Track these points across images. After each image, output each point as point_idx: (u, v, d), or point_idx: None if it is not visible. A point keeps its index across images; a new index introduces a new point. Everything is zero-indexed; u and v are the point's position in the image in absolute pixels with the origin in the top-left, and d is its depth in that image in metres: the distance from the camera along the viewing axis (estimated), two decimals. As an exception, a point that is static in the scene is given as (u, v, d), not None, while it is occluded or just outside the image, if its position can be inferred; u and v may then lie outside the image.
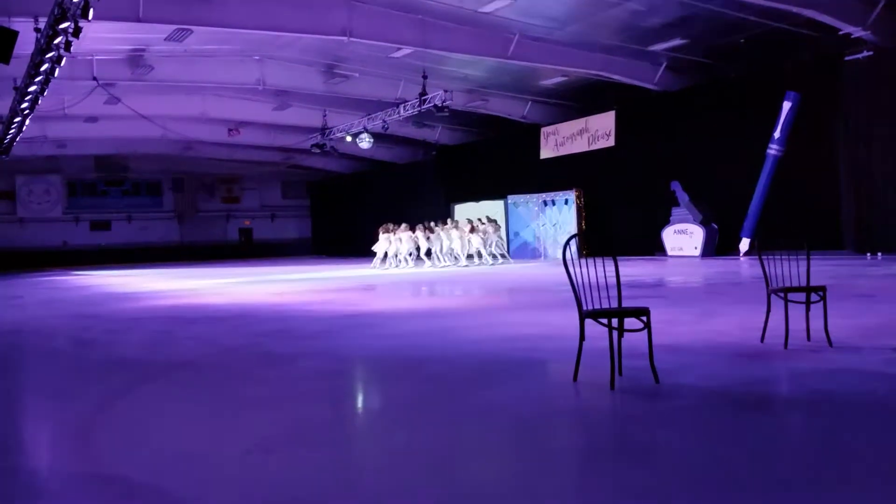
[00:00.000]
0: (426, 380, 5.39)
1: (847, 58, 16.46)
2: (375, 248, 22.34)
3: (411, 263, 22.10)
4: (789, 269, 5.87)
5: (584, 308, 4.64)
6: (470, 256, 21.84)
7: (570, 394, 4.68)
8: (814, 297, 5.75)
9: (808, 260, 5.81)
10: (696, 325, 7.37)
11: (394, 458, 3.59)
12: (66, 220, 36.00)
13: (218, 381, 5.68)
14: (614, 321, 4.58)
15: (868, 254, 16.26)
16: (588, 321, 4.63)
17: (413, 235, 22.06)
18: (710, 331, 6.91)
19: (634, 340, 4.85)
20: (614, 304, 4.76)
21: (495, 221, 22.81)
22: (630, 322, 4.71)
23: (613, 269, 4.71)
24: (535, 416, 4.22)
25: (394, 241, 22.02)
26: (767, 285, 5.84)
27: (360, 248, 28.23)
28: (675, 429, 3.85)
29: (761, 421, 3.89)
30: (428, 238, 22.13)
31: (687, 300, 10.20)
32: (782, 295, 5.72)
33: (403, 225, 22.24)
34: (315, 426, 4.20)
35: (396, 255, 22.02)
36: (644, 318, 4.56)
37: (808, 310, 5.79)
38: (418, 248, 22.33)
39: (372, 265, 22.25)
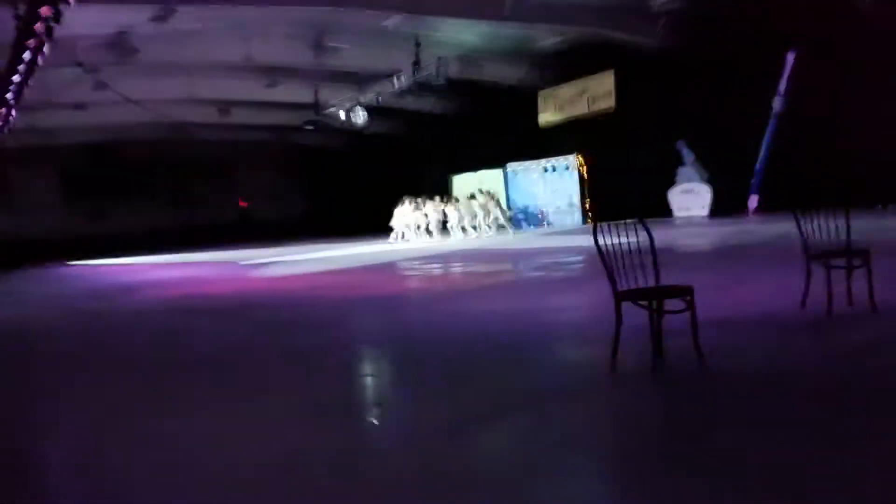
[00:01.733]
0: (451, 373, 5.08)
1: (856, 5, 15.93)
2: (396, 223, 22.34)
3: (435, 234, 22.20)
4: (820, 228, 5.49)
5: (619, 287, 4.32)
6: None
7: (609, 381, 4.39)
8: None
9: (848, 223, 5.46)
10: (727, 293, 7.00)
11: (428, 463, 3.29)
12: (61, 210, 35.50)
13: (227, 384, 5.35)
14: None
15: (879, 206, 15.90)
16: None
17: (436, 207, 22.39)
18: (744, 300, 6.60)
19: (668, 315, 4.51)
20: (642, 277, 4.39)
21: (486, 194, 22.71)
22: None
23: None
24: (571, 409, 3.93)
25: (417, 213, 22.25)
26: (806, 251, 5.51)
27: (361, 225, 27.79)
28: (725, 423, 3.52)
29: (824, 412, 3.55)
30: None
31: (711, 266, 9.89)
32: (823, 261, 5.41)
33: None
34: (333, 438, 3.90)
35: (419, 227, 22.27)
36: (687, 298, 4.24)
37: (849, 276, 5.48)
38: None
39: (397, 239, 22.06)
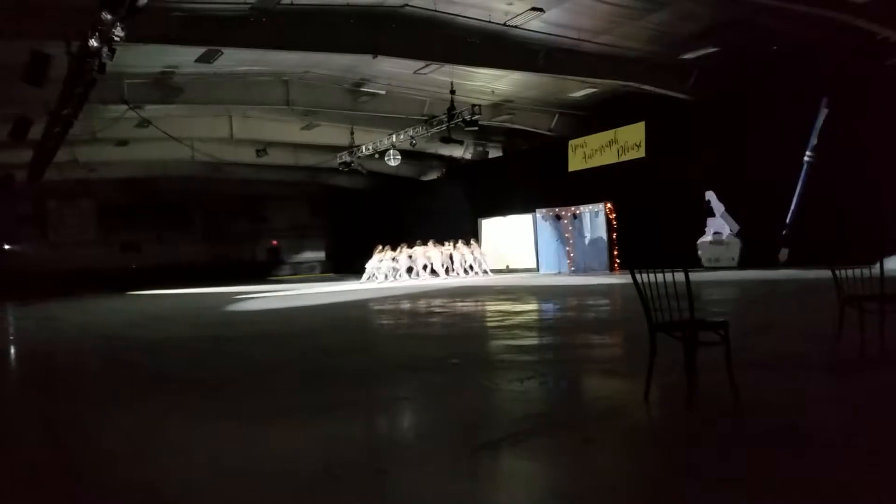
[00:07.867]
0: (481, 398, 5.17)
1: (888, 62, 16.08)
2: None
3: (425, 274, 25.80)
4: (853, 275, 5.57)
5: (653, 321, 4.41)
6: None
7: (642, 413, 4.44)
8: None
9: (882, 269, 5.53)
10: (758, 336, 7.04)
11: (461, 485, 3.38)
12: (96, 243, 36.24)
13: (261, 400, 5.50)
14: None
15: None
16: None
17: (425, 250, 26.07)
18: (775, 342, 6.62)
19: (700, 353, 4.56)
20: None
21: (469, 242, 26.59)
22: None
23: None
24: (604, 436, 3.99)
25: (419, 256, 25.91)
26: (840, 294, 5.56)
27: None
28: (767, 455, 3.56)
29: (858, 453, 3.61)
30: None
31: (741, 311, 9.88)
32: (855, 305, 5.45)
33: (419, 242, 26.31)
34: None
35: (426, 267, 25.72)
36: (721, 332, 4.32)
37: (883, 319, 5.51)
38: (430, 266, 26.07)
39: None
